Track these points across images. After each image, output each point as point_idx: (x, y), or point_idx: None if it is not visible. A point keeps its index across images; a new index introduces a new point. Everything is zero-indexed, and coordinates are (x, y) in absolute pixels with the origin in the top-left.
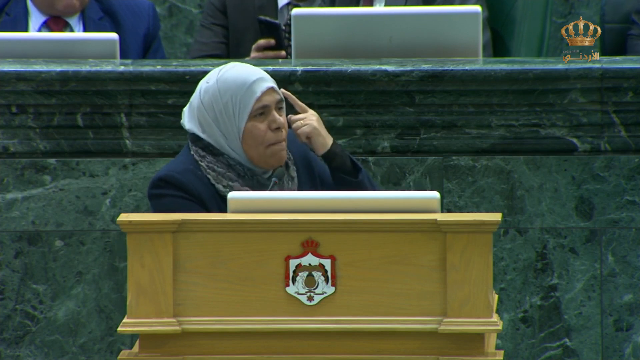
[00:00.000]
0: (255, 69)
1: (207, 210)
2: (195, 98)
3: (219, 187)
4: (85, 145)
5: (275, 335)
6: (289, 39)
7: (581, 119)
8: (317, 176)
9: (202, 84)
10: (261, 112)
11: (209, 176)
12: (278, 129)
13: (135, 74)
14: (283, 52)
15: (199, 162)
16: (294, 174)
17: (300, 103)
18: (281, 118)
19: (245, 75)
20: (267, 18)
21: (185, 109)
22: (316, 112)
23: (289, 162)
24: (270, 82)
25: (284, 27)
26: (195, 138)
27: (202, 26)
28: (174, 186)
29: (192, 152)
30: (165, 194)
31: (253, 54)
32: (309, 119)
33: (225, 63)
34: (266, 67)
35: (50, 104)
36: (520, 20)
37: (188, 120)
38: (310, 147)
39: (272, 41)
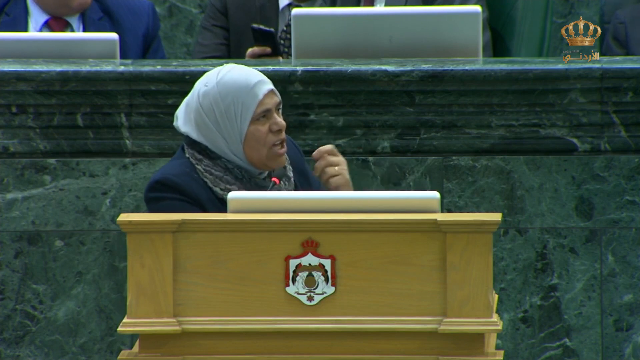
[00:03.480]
0: (254, 71)
1: (205, 212)
2: (192, 101)
3: (217, 190)
4: (85, 145)
5: (275, 335)
6: (290, 40)
7: (581, 119)
8: (312, 186)
9: (200, 87)
10: (263, 115)
11: (206, 179)
12: (279, 130)
13: (135, 74)
14: (280, 59)
15: (196, 166)
16: (291, 174)
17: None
18: (281, 120)
19: (245, 77)
20: (261, 26)
21: (179, 112)
22: (316, 112)
23: (286, 163)
24: (270, 85)
25: (285, 28)
26: (191, 141)
27: (203, 28)
28: (171, 189)
29: (187, 155)
30: (163, 197)
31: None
32: (343, 168)
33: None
34: (266, 67)
35: (50, 104)
36: (520, 20)
37: (183, 123)
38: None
39: (267, 49)
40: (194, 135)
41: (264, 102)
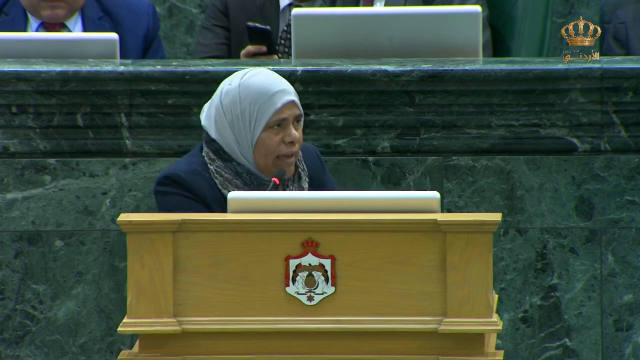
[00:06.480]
0: (280, 79)
1: (210, 212)
2: (215, 97)
3: (225, 192)
4: (85, 145)
5: (275, 335)
6: (290, 40)
7: (581, 119)
8: None
9: (225, 85)
10: (278, 124)
11: (215, 180)
12: (292, 142)
13: (135, 74)
14: (275, 57)
15: (208, 165)
16: (305, 185)
17: None
18: (296, 133)
19: (268, 84)
20: (257, 24)
21: (206, 106)
22: (316, 112)
23: (302, 173)
24: (292, 96)
25: (285, 28)
26: (209, 139)
27: (203, 27)
28: (179, 185)
29: (203, 154)
30: (170, 192)
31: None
32: None
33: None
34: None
35: (50, 104)
36: (521, 20)
37: (205, 117)
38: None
39: (263, 48)
40: (211, 131)
41: (281, 112)
